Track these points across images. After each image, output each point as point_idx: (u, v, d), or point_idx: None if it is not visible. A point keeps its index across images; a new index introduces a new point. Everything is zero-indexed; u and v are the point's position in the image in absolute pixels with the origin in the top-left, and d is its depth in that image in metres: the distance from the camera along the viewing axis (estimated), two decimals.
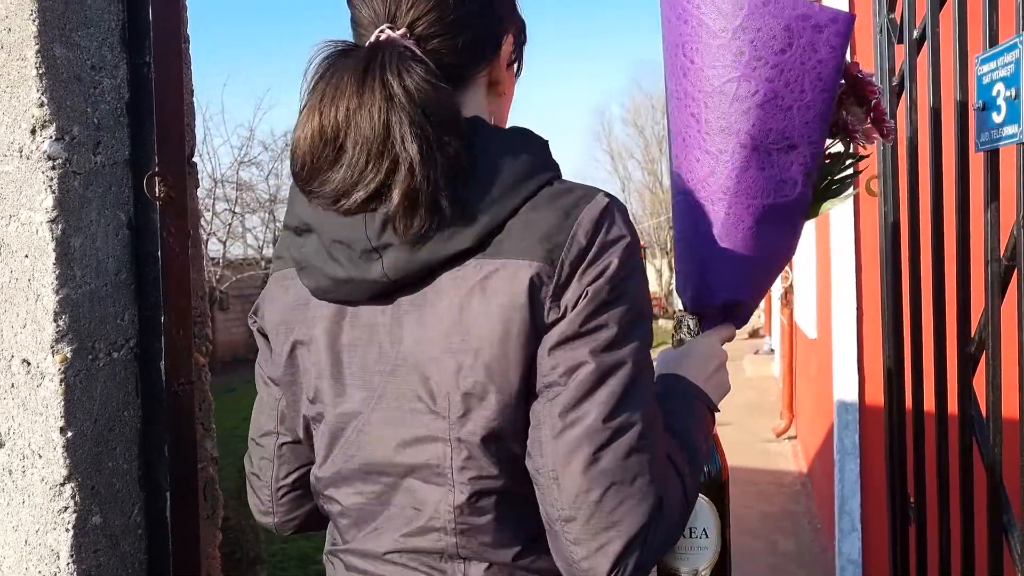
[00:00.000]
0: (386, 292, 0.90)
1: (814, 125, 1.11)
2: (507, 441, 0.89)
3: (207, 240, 12.90)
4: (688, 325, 1.20)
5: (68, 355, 1.22)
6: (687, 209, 1.18)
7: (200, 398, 1.42)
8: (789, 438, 7.59)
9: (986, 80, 1.33)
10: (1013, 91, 1.24)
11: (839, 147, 1.22)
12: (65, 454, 1.22)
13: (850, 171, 1.22)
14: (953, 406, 1.52)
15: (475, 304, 0.86)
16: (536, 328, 0.85)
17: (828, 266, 4.13)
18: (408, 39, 0.90)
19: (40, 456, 1.24)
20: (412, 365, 0.90)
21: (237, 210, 14.46)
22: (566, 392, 0.85)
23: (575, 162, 39.44)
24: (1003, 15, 1.31)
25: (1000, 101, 1.28)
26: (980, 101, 1.35)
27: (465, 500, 0.89)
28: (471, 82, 0.97)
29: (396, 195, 0.85)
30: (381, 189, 0.86)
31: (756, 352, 12.13)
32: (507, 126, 1.03)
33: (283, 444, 1.06)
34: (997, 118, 1.29)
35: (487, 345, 0.86)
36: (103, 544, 1.27)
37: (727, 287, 1.16)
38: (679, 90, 1.13)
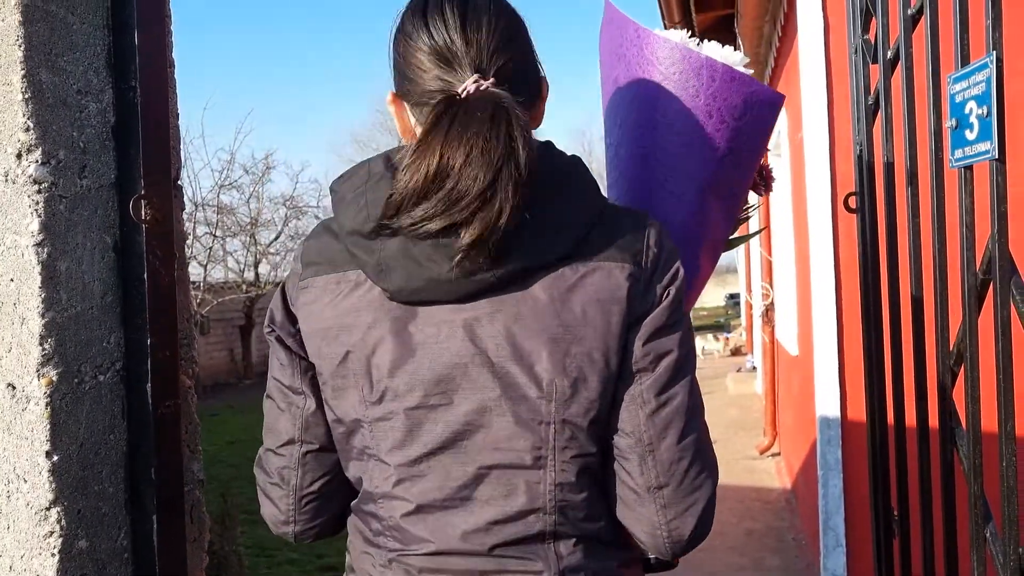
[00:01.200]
0: (481, 293, 0.98)
1: (748, 177, 1.36)
2: (602, 421, 1.00)
3: (188, 263, 12.81)
4: None
5: (54, 378, 1.22)
6: None
7: (186, 420, 1.41)
8: (773, 455, 7.61)
9: (959, 99, 1.36)
10: (985, 109, 1.27)
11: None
12: (51, 478, 1.22)
13: (746, 215, 1.47)
14: (934, 419, 1.54)
15: (575, 300, 0.97)
16: (629, 319, 0.99)
17: (808, 283, 4.17)
18: (506, 93, 0.98)
19: (25, 481, 1.23)
20: (510, 356, 0.97)
21: (218, 234, 14.40)
22: (656, 375, 0.99)
23: None
24: (974, 35, 1.34)
25: (973, 119, 1.31)
26: (953, 119, 1.38)
27: (565, 479, 0.99)
28: None
29: (471, 232, 0.92)
30: (455, 227, 0.93)
31: (739, 370, 12.17)
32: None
33: (307, 452, 1.09)
34: (970, 135, 1.32)
35: (590, 335, 0.97)
36: (89, 568, 1.26)
37: None
38: (646, 140, 1.30)
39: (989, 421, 1.33)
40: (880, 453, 1.84)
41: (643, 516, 1.00)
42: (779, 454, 7.52)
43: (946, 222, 1.48)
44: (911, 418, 1.65)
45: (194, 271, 13.16)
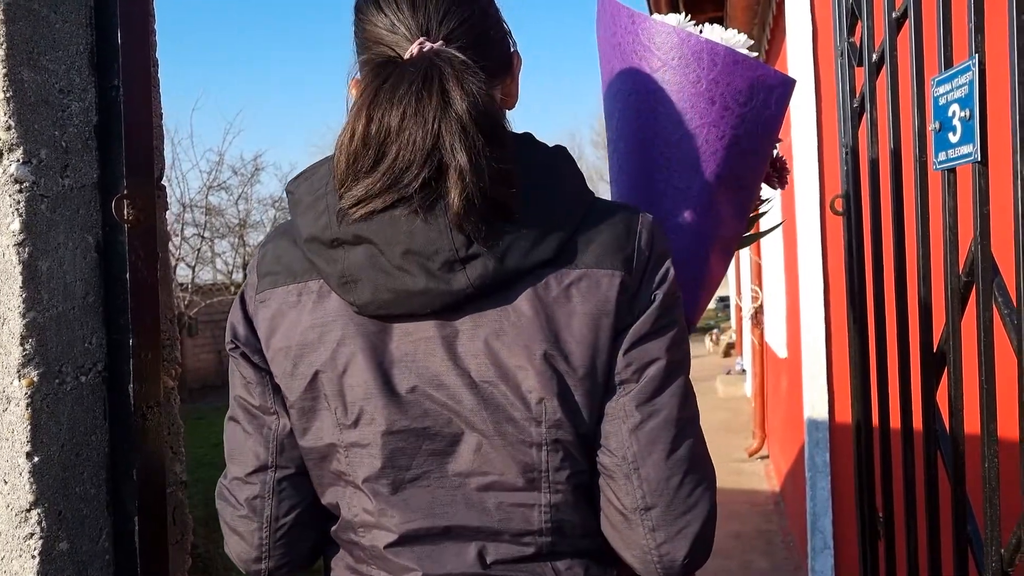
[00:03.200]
0: (457, 305, 0.90)
1: (759, 169, 1.28)
2: (593, 437, 0.93)
3: (176, 265, 12.79)
4: None
5: (35, 379, 1.21)
6: None
7: (169, 421, 1.40)
8: (761, 458, 7.62)
9: (942, 101, 1.36)
10: (967, 112, 1.27)
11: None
12: (31, 480, 1.21)
13: (762, 211, 1.40)
14: (919, 420, 1.54)
15: (560, 311, 0.90)
16: (616, 330, 0.92)
17: (796, 285, 4.18)
18: (451, 50, 0.91)
19: (6, 482, 1.22)
20: (493, 375, 0.90)
21: (206, 235, 14.36)
22: (640, 387, 0.91)
23: None
24: (957, 38, 1.35)
25: (956, 122, 1.32)
26: (937, 122, 1.38)
27: (561, 499, 0.93)
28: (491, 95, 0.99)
29: (455, 199, 0.85)
30: (412, 196, 0.86)
31: (728, 372, 12.19)
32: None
33: (283, 478, 1.00)
34: (953, 138, 1.33)
35: (578, 349, 0.90)
36: (70, 570, 1.25)
37: (684, 308, 1.23)
38: (647, 131, 1.23)
39: (972, 423, 1.34)
40: (865, 455, 1.85)
41: (631, 540, 0.92)
42: (768, 457, 7.53)
43: (930, 225, 1.48)
44: (896, 420, 1.66)
45: (182, 273, 13.11)
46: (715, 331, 17.42)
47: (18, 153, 1.21)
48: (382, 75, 0.89)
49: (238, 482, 1.02)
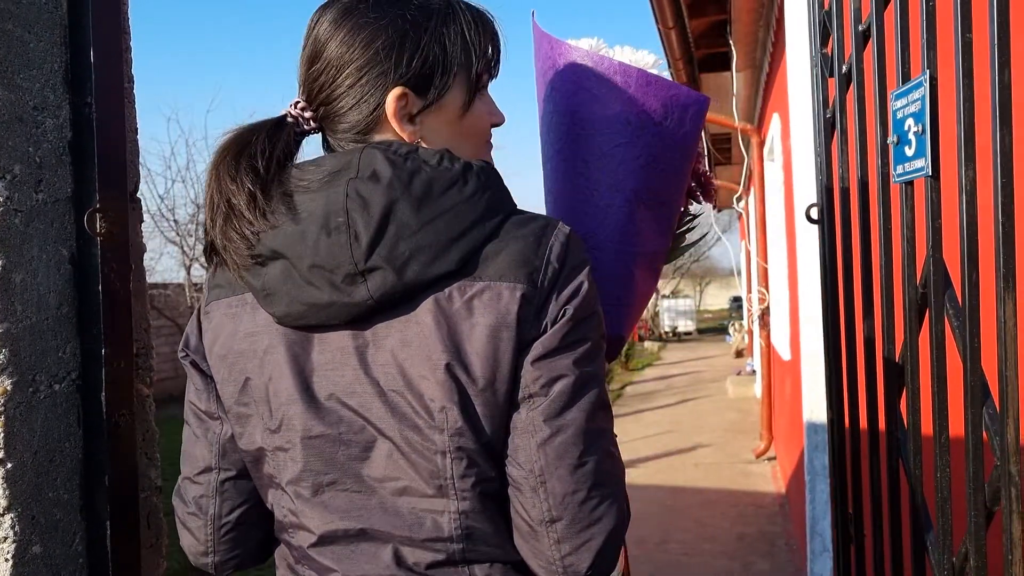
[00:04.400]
0: (364, 316, 0.94)
1: (679, 186, 1.31)
2: (498, 447, 0.95)
3: (191, 265, 12.90)
4: None
5: (8, 388, 1.25)
6: None
7: (143, 428, 1.44)
8: (769, 459, 7.62)
9: (899, 115, 1.38)
10: (920, 126, 1.29)
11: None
12: (4, 485, 1.25)
13: (687, 227, 1.43)
14: (884, 426, 1.56)
15: (462, 323, 0.92)
16: (520, 343, 0.92)
17: (796, 288, 4.19)
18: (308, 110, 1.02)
19: None
20: (400, 384, 0.94)
21: None
22: (549, 401, 0.93)
23: None
24: (914, 53, 1.36)
25: (911, 136, 1.33)
26: (895, 135, 1.40)
27: (469, 506, 0.95)
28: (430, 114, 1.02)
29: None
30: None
31: (738, 373, 12.18)
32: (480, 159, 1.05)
33: (225, 480, 1.06)
34: (909, 152, 1.35)
35: (477, 360, 0.92)
36: (44, 573, 1.29)
37: (611, 325, 1.25)
38: (568, 151, 1.27)
39: (930, 428, 1.35)
40: (838, 460, 1.87)
41: (538, 550, 0.95)
42: (775, 458, 7.53)
43: (892, 236, 1.50)
44: (864, 424, 1.67)
45: (198, 273, 13.20)
46: (739, 322, 17.40)
47: None
48: (225, 147, 0.99)
49: (188, 481, 1.09)
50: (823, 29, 1.81)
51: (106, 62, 1.35)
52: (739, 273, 12.21)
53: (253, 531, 1.09)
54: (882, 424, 1.57)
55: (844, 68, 1.68)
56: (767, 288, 7.53)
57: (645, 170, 1.24)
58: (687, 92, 1.25)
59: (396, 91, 0.98)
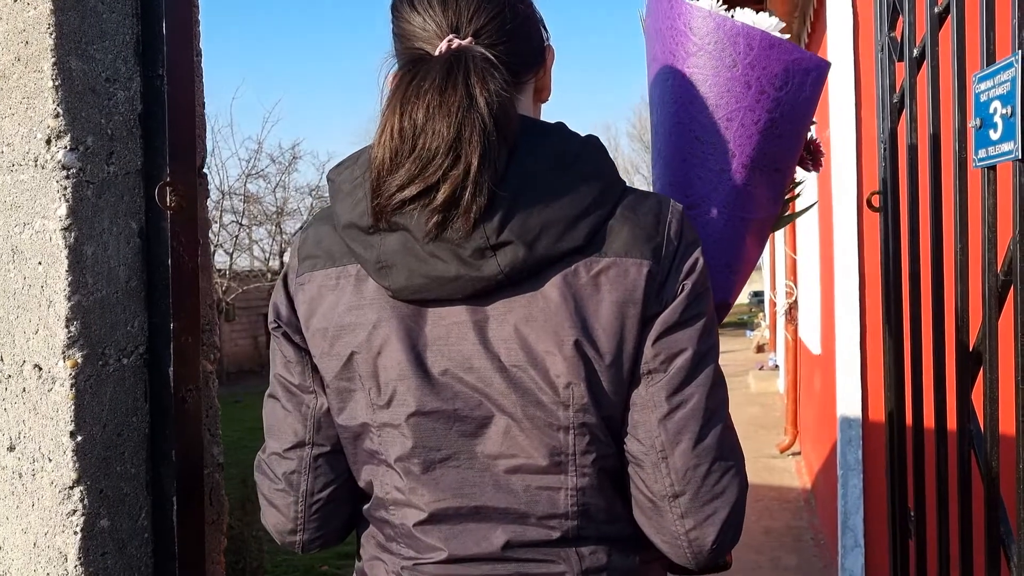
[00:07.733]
0: (489, 291, 0.93)
1: (794, 151, 1.28)
2: (617, 423, 0.96)
3: (214, 252, 12.96)
4: None
5: (79, 360, 1.25)
6: None
7: (207, 404, 1.44)
8: (793, 454, 7.57)
9: (983, 98, 1.35)
10: (1009, 109, 1.26)
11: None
12: (74, 458, 1.24)
13: (796, 194, 1.41)
14: (953, 420, 1.53)
15: (588, 299, 0.92)
16: (644, 319, 0.93)
17: (832, 281, 4.14)
18: (477, 47, 0.95)
19: (50, 460, 1.26)
20: (522, 360, 0.93)
21: (244, 222, 14.53)
22: (669, 377, 0.93)
23: None
24: (1000, 34, 1.33)
25: (997, 119, 1.30)
26: (978, 119, 1.37)
27: (587, 483, 0.95)
28: (523, 88, 1.03)
29: (444, 191, 0.89)
30: (438, 184, 0.90)
31: (760, 367, 12.11)
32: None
33: (319, 455, 1.04)
34: (994, 135, 1.31)
35: (604, 336, 0.92)
36: (110, 547, 1.29)
37: (719, 291, 1.24)
38: (683, 115, 1.24)
39: (1008, 423, 1.32)
40: (898, 453, 1.84)
41: (662, 526, 0.95)
42: (799, 453, 7.48)
43: (968, 222, 1.47)
44: (930, 418, 1.64)
45: (220, 259, 13.29)
46: (761, 313, 17.38)
47: (65, 140, 1.24)
48: (411, 72, 0.93)
49: (276, 457, 1.06)
50: (892, 12, 1.78)
51: (177, 35, 1.33)
52: (760, 267, 12.14)
53: (341, 508, 1.07)
54: (950, 415, 1.54)
55: (916, 51, 1.65)
56: (795, 281, 7.47)
57: (764, 135, 1.22)
58: (809, 56, 1.22)
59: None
